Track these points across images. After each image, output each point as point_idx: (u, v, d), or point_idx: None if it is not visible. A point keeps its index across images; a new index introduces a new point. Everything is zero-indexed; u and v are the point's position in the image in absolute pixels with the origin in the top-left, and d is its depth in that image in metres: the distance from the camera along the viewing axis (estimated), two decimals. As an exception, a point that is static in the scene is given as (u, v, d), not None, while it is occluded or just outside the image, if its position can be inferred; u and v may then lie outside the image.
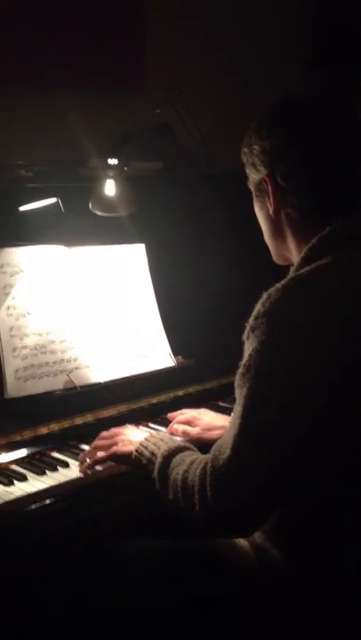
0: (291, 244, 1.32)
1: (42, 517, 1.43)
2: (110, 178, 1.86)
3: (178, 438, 1.58)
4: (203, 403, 1.92)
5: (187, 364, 2.01)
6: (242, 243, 2.44)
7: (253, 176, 1.34)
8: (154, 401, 1.92)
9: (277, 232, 1.34)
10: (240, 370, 1.18)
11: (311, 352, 1.13)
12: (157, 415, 1.88)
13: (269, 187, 1.30)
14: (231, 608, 1.30)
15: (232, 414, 1.21)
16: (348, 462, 1.17)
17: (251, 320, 1.18)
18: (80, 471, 1.56)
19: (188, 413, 1.76)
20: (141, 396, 1.90)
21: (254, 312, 1.18)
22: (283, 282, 1.19)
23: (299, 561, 1.24)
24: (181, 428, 1.71)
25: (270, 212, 1.32)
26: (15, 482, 1.50)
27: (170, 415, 1.81)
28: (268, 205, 1.32)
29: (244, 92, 2.84)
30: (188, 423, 1.73)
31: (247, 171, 1.36)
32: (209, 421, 1.70)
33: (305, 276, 1.19)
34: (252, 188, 1.38)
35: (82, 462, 1.58)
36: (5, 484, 1.48)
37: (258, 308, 1.17)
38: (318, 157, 1.25)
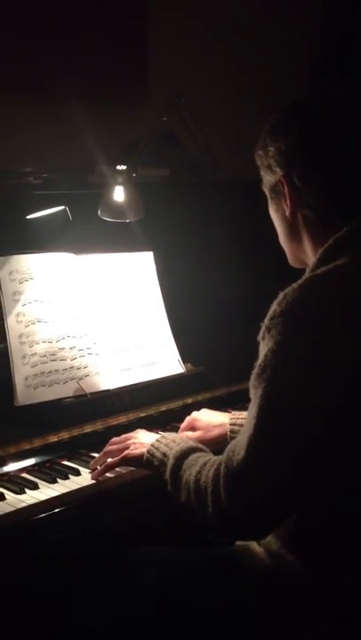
0: (307, 245, 1.31)
1: (54, 525, 1.42)
2: (119, 184, 1.86)
3: None
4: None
5: (197, 371, 2.00)
6: (249, 249, 2.45)
7: (269, 178, 1.33)
8: (163, 408, 1.91)
9: (293, 234, 1.33)
10: (255, 370, 1.17)
11: (328, 352, 1.12)
12: (167, 423, 1.87)
13: (286, 188, 1.29)
14: (248, 615, 1.28)
15: (247, 415, 1.20)
16: None
17: (266, 320, 1.17)
18: (92, 478, 1.54)
19: (186, 419, 1.74)
20: (151, 404, 1.89)
21: (270, 312, 1.17)
22: (299, 282, 1.18)
23: (316, 566, 1.22)
24: (183, 435, 1.70)
25: (287, 213, 1.31)
26: (27, 490, 1.48)
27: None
28: (285, 207, 1.31)
29: (249, 100, 2.85)
30: (189, 428, 1.71)
31: (262, 173, 1.35)
32: (208, 421, 1.68)
33: (322, 275, 1.18)
34: (266, 191, 1.38)
35: (93, 469, 1.57)
36: (17, 492, 1.47)
37: (274, 307, 1.16)
38: (335, 157, 1.24)
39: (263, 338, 1.17)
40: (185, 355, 2.00)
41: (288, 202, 1.29)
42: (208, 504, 1.19)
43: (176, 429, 1.79)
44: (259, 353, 1.18)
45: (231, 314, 2.28)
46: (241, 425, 1.61)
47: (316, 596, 1.22)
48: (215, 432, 1.64)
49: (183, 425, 1.73)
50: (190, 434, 1.69)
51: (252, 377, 1.18)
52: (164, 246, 2.11)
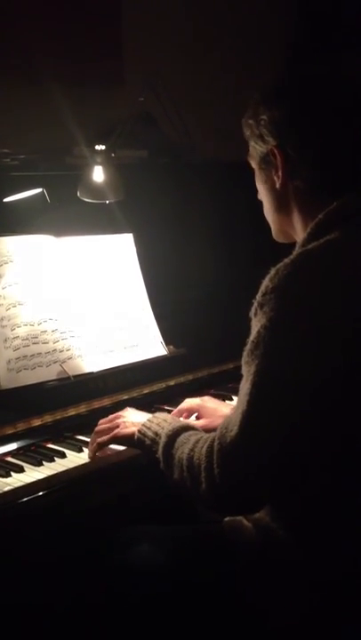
0: (296, 219, 1.30)
1: (41, 508, 1.40)
2: (98, 164, 1.84)
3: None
4: (194, 392, 1.89)
5: (179, 353, 2.00)
6: (228, 231, 2.45)
7: (259, 148, 1.31)
8: (146, 391, 1.90)
9: (282, 207, 1.31)
10: (248, 347, 1.16)
11: (321, 328, 1.11)
12: (151, 405, 1.86)
13: (278, 158, 1.27)
14: (238, 589, 1.28)
15: (239, 392, 1.19)
16: (357, 440, 1.17)
17: (258, 296, 1.16)
18: (89, 457, 1.53)
19: (189, 401, 1.72)
20: (134, 386, 1.88)
21: (262, 288, 1.16)
22: (291, 257, 1.17)
23: (305, 540, 1.23)
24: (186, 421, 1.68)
25: (277, 185, 1.29)
26: (12, 473, 1.47)
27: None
28: (275, 178, 1.29)
29: (226, 81, 2.83)
30: (190, 412, 1.71)
31: (251, 143, 1.33)
32: (214, 409, 1.66)
33: (314, 250, 1.17)
34: (254, 163, 1.35)
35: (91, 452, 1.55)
36: (3, 476, 1.45)
37: (266, 283, 1.15)
38: (330, 128, 1.23)
39: (255, 314, 1.16)
40: (166, 337, 2.00)
41: (280, 173, 1.27)
42: (202, 480, 1.18)
43: (160, 411, 1.78)
44: (251, 329, 1.18)
45: (211, 296, 2.28)
46: None
47: (305, 570, 1.23)
48: (215, 419, 1.62)
49: (184, 406, 1.71)
50: (194, 420, 1.67)
51: (245, 353, 1.17)
52: (144, 228, 2.10)
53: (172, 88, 2.21)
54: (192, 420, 1.68)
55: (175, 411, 1.72)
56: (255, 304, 1.17)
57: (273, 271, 1.15)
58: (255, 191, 1.42)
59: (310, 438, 1.16)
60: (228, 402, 1.75)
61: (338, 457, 1.18)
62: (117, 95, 2.46)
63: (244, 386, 1.16)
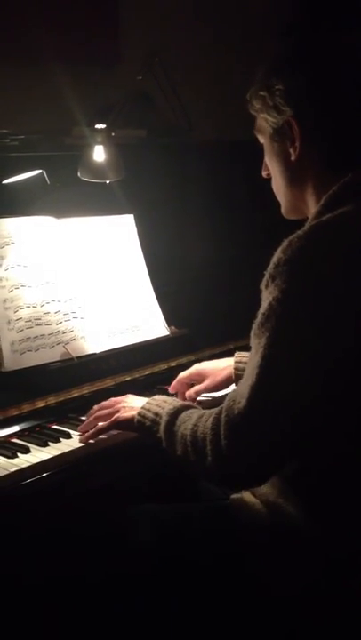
0: (309, 193, 1.28)
1: (47, 487, 1.41)
2: (99, 143, 1.82)
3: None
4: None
5: (181, 334, 2.00)
6: (228, 211, 2.44)
7: (272, 120, 1.27)
8: (148, 372, 1.90)
9: (296, 180, 1.29)
10: (258, 319, 1.15)
11: (334, 300, 1.10)
12: (153, 386, 1.86)
13: (295, 129, 1.24)
14: (246, 566, 1.29)
15: (247, 364, 1.18)
16: None
17: (270, 268, 1.14)
18: (81, 441, 1.53)
19: (183, 373, 1.73)
20: (137, 367, 1.88)
21: (274, 259, 1.14)
22: (304, 228, 1.15)
23: (312, 515, 1.23)
24: (192, 390, 1.69)
25: (292, 157, 1.26)
26: (19, 454, 1.47)
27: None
28: (291, 151, 1.26)
29: (224, 60, 2.81)
30: (191, 380, 1.71)
31: (263, 116, 1.29)
32: (213, 366, 1.68)
33: (328, 222, 1.16)
34: (263, 137, 1.32)
35: (82, 432, 1.56)
36: (9, 457, 1.45)
37: (278, 255, 1.13)
38: (349, 96, 1.20)
39: (267, 286, 1.15)
40: (168, 318, 2.00)
41: (296, 144, 1.24)
42: (207, 453, 1.18)
43: (162, 392, 1.79)
44: (261, 301, 1.16)
45: (212, 276, 2.27)
46: (246, 363, 1.62)
47: (313, 545, 1.24)
48: (223, 373, 1.65)
49: (183, 376, 1.72)
50: (196, 387, 1.69)
51: (254, 326, 1.16)
52: (144, 209, 2.09)
53: (170, 67, 2.19)
54: (196, 387, 1.69)
55: (174, 382, 1.72)
56: (266, 275, 1.15)
57: (286, 243, 1.13)
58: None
59: (321, 410, 1.15)
60: (224, 358, 1.73)
61: (346, 430, 1.18)
62: (115, 75, 2.44)
63: (253, 358, 1.15)
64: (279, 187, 1.34)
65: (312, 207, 1.27)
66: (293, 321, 1.12)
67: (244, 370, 1.58)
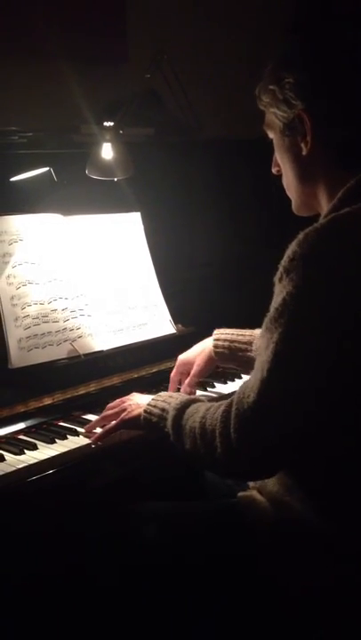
0: (320, 189, 1.26)
1: (54, 484, 1.41)
2: (107, 141, 1.82)
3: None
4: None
5: (188, 332, 2.00)
6: (235, 209, 2.44)
7: (282, 114, 1.25)
8: (155, 369, 1.91)
9: (308, 175, 1.27)
10: (271, 314, 1.14)
11: (349, 298, 1.09)
12: (160, 384, 1.86)
13: (307, 122, 1.22)
14: (253, 565, 1.29)
15: (257, 357, 1.17)
16: None
17: (285, 261, 1.13)
18: (91, 442, 1.53)
19: (178, 359, 1.75)
20: (144, 365, 1.88)
21: (288, 253, 1.12)
22: (321, 222, 1.14)
23: (321, 513, 1.23)
24: (185, 385, 1.72)
25: (304, 152, 1.24)
26: (26, 451, 1.47)
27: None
28: (302, 145, 1.24)
29: (232, 59, 2.81)
30: (186, 365, 1.73)
31: (272, 111, 1.28)
32: (194, 351, 1.72)
33: (345, 217, 1.14)
34: (273, 132, 1.31)
35: (88, 431, 1.56)
36: (16, 454, 1.46)
37: (293, 248, 1.12)
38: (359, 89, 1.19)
39: (281, 280, 1.13)
40: (175, 315, 2.00)
41: (308, 138, 1.23)
42: (217, 445, 1.18)
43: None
44: (274, 295, 1.15)
45: (219, 274, 2.27)
46: (225, 339, 1.67)
47: (321, 543, 1.23)
48: (204, 356, 1.69)
49: (172, 374, 1.75)
50: (187, 381, 1.71)
51: (267, 320, 1.15)
52: (151, 207, 2.09)
53: (178, 65, 2.19)
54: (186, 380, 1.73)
55: (170, 385, 1.73)
56: (280, 269, 1.14)
57: (302, 236, 1.12)
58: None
59: (331, 406, 1.15)
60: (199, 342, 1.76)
61: (355, 427, 1.17)
62: (123, 73, 2.44)
63: (264, 352, 1.14)
64: (290, 183, 1.32)
65: (324, 203, 1.26)
66: (307, 317, 1.11)
67: (223, 347, 1.66)
